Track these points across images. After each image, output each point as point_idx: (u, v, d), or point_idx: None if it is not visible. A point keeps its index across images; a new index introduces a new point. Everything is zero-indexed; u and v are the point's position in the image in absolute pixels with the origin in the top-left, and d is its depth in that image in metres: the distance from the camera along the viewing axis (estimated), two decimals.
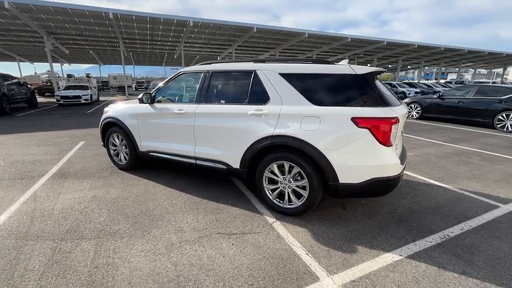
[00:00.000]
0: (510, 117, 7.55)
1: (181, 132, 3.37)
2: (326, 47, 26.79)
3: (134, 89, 28.66)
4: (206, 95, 3.20)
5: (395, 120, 2.34)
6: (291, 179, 2.74)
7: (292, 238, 2.46)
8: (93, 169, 4.32)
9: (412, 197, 3.32)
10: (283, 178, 2.79)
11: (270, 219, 2.78)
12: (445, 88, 18.82)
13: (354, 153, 2.40)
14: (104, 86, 33.41)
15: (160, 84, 3.73)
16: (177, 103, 3.56)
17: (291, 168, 2.70)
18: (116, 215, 2.85)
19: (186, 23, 18.01)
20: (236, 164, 3.01)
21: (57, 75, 32.38)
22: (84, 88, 16.22)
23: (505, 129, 7.64)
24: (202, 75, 3.29)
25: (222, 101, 3.10)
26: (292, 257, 2.19)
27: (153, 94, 3.63)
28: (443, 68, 42.31)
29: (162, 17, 17.05)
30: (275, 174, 2.83)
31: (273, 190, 2.90)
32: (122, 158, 4.24)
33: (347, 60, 2.99)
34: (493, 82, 27.54)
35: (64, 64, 37.90)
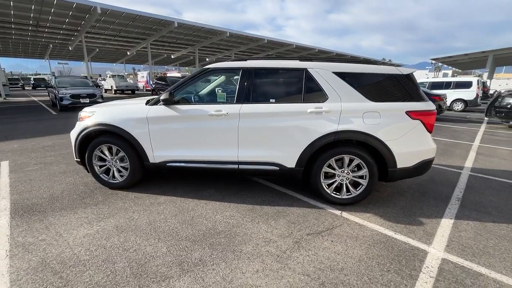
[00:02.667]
0: None
1: (220, 135, 3.01)
2: (243, 47, 27.85)
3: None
4: (250, 94, 2.97)
5: (436, 112, 2.90)
6: (349, 171, 2.94)
7: (370, 223, 2.68)
8: (72, 194, 3.25)
9: None
10: (341, 171, 2.96)
11: (336, 212, 2.91)
12: None
13: (409, 141, 2.82)
14: None
15: (179, 82, 3.17)
16: (211, 104, 3.13)
17: (350, 160, 2.90)
18: (177, 242, 2.33)
19: (91, 9, 15.10)
20: (291, 163, 2.96)
21: None
22: None
23: None
24: (241, 72, 3.02)
25: (272, 100, 2.96)
26: (390, 239, 2.42)
27: (172, 94, 3.06)
28: None
29: None
30: (333, 168, 2.97)
31: (329, 185, 3.03)
32: (117, 175, 3.38)
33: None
34: None
35: None
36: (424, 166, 2.94)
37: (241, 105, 2.96)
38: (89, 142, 3.31)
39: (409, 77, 2.89)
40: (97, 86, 16.81)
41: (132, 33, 20.97)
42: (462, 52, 30.88)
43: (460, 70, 47.02)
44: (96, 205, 3.00)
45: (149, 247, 2.26)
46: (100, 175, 3.39)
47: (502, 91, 11.60)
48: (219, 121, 2.98)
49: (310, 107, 2.86)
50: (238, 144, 3.00)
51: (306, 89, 2.91)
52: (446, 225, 2.67)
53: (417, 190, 3.53)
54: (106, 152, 3.32)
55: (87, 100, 11.04)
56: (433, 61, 33.10)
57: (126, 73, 38.04)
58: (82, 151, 3.37)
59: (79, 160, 3.42)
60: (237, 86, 3.02)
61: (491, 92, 20.74)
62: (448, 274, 1.98)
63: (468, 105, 13.17)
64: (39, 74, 61.94)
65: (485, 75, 30.46)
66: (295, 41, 31.77)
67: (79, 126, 3.31)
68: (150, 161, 3.21)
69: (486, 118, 9.58)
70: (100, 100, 11.38)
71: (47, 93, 17.08)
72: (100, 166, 3.39)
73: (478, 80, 13.22)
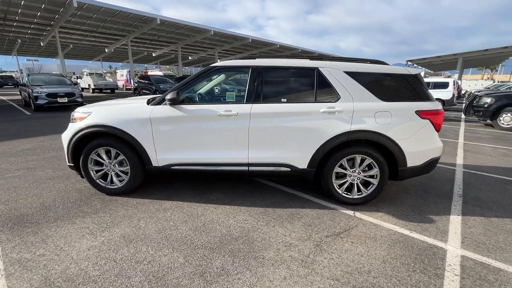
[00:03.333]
0: None
1: (230, 136, 2.89)
2: (227, 45, 27.59)
3: None
4: (260, 93, 2.87)
5: (444, 112, 2.97)
6: (360, 171, 2.94)
7: (385, 223, 2.69)
8: (66, 202, 2.99)
9: None
10: (352, 171, 2.95)
11: (349, 212, 2.89)
12: None
13: (419, 140, 2.86)
14: None
15: (184, 81, 3.00)
16: (220, 103, 2.99)
17: (362, 160, 2.90)
18: (193, 251, 2.19)
19: (66, 2, 14.25)
20: (303, 164, 2.91)
21: None
22: None
23: None
24: (250, 71, 2.91)
25: (283, 100, 2.89)
26: (407, 238, 2.43)
27: (178, 93, 2.88)
28: None
29: None
30: (344, 168, 2.95)
31: (340, 185, 3.01)
32: (115, 180, 3.15)
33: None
34: None
35: None
36: (431, 164, 3.00)
37: (251, 104, 2.86)
38: (84, 145, 3.06)
39: (417, 77, 2.94)
40: (74, 84, 15.78)
41: (111, 29, 20.06)
42: (435, 54, 32.61)
43: (432, 72, 49.74)
44: (95, 213, 2.77)
45: (164, 258, 2.10)
46: (97, 181, 3.15)
47: (473, 91, 12.37)
48: (229, 121, 2.86)
49: (322, 106, 2.81)
50: (248, 145, 2.90)
51: (318, 89, 2.87)
52: (455, 221, 2.74)
53: (420, 187, 3.61)
54: (104, 156, 3.08)
55: (65, 100, 10.35)
56: (409, 63, 34.76)
57: (104, 71, 36.32)
58: (75, 155, 3.10)
59: (72, 164, 3.15)
60: (247, 85, 2.92)
61: (463, 92, 22.07)
62: (471, 271, 2.01)
63: (445, 104, 13.88)
64: (5, 71, 57.56)
65: (455, 76, 32.42)
66: (277, 41, 31.98)
67: (72, 128, 3.05)
68: (153, 165, 3.02)
69: (464, 116, 10.14)
70: (79, 99, 10.74)
71: (17, 92, 15.91)
72: (97, 171, 3.14)
73: (454, 81, 13.96)
